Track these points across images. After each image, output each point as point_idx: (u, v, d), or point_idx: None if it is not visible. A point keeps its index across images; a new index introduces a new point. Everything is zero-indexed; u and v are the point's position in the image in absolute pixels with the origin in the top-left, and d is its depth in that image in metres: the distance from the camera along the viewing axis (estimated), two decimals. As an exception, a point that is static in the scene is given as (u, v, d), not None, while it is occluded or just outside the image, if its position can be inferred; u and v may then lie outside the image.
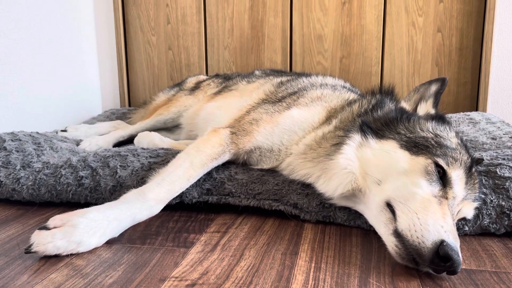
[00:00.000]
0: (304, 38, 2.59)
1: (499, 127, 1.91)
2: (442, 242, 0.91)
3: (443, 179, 1.05)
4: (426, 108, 1.26)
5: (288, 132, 1.39)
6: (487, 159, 1.33)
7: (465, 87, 2.51)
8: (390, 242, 1.00)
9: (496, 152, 1.42)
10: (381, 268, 0.99)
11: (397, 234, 0.98)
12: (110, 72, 2.78)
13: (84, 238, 1.05)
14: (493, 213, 1.16)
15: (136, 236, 1.17)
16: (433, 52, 2.49)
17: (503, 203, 1.16)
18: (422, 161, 1.07)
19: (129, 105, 2.83)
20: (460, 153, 1.11)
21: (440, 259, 0.90)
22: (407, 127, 1.18)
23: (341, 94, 1.51)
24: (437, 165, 1.06)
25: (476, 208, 1.14)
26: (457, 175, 1.06)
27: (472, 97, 2.51)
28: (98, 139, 1.87)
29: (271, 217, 1.31)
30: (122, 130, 2.04)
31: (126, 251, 1.07)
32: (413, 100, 1.30)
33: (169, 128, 2.11)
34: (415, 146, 1.12)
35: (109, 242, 1.12)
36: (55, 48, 2.30)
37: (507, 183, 1.19)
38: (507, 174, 1.21)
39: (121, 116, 2.46)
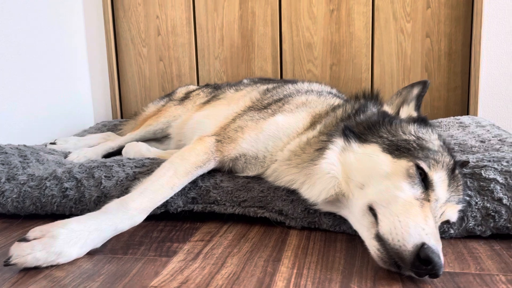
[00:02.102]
0: (293, 46, 2.60)
1: (488, 130, 1.91)
2: (423, 244, 0.90)
3: (425, 181, 1.04)
4: (408, 111, 1.26)
5: (273, 138, 1.38)
6: (473, 161, 1.32)
7: (455, 91, 2.51)
8: (372, 246, 0.98)
9: (483, 155, 1.41)
10: (363, 273, 0.97)
11: (379, 238, 0.97)
12: (102, 85, 2.79)
13: (64, 249, 1.04)
14: (478, 215, 1.15)
15: (119, 246, 1.16)
16: (422, 58, 2.50)
17: (488, 205, 1.15)
18: (404, 164, 1.07)
19: (121, 117, 2.83)
20: (442, 155, 1.10)
21: (421, 262, 0.89)
22: (389, 130, 1.18)
23: (326, 99, 1.51)
24: (419, 168, 1.05)
25: (461, 211, 1.13)
26: (439, 177, 1.05)
27: (463, 101, 2.51)
28: (87, 151, 1.87)
29: (256, 225, 1.30)
30: (111, 141, 2.04)
31: (107, 262, 1.06)
32: (396, 103, 1.29)
33: (158, 138, 2.11)
34: (397, 149, 1.11)
35: (91, 253, 1.10)
36: (46, 61, 2.30)
37: (491, 185, 1.18)
38: (491, 176, 1.21)
39: (112, 128, 2.45)
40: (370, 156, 1.13)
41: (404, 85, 2.49)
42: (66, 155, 1.86)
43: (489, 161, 1.30)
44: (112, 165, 1.47)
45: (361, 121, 1.24)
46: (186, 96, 2.16)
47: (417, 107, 1.26)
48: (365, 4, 2.50)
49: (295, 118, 1.41)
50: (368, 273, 0.97)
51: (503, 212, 1.14)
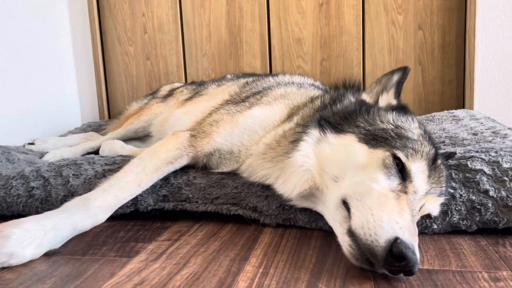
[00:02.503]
0: (282, 42, 2.53)
1: (482, 123, 1.82)
2: (396, 239, 0.82)
3: (403, 172, 0.97)
4: (387, 99, 1.19)
5: (248, 132, 1.31)
6: (460, 152, 1.24)
7: (450, 85, 2.43)
8: (344, 242, 0.91)
9: (474, 147, 1.33)
10: (334, 272, 0.90)
11: (351, 233, 0.90)
12: (88, 85, 2.73)
13: (17, 250, 0.97)
14: (463, 209, 1.07)
15: (80, 247, 1.09)
16: (415, 50, 2.42)
17: (474, 197, 1.07)
18: (380, 154, 0.99)
19: (109, 118, 2.77)
20: (422, 144, 1.02)
21: (395, 258, 0.81)
22: (366, 119, 1.10)
23: (306, 91, 1.44)
24: (396, 158, 0.98)
25: (443, 204, 1.05)
26: (417, 167, 0.97)
27: (458, 95, 2.43)
28: (64, 151, 1.81)
29: (230, 223, 1.23)
30: (92, 141, 1.98)
31: (63, 263, 0.99)
32: (375, 91, 1.22)
33: (141, 137, 2.04)
34: (374, 139, 1.04)
35: (48, 254, 1.04)
36: (31, 62, 2.25)
37: (477, 176, 1.10)
38: (478, 167, 1.13)
39: (97, 128, 2.39)
40: (346, 147, 1.06)
41: (397, 79, 2.42)
42: (42, 155, 1.80)
43: (477, 151, 1.22)
44: (82, 163, 1.41)
45: (338, 110, 1.17)
46: (170, 94, 2.09)
47: (397, 95, 1.18)
48: (355, -4, 2.42)
49: (271, 110, 1.34)
50: (339, 272, 0.89)
51: (490, 205, 1.06)
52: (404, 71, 1.18)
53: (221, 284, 0.86)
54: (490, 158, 1.16)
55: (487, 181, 1.09)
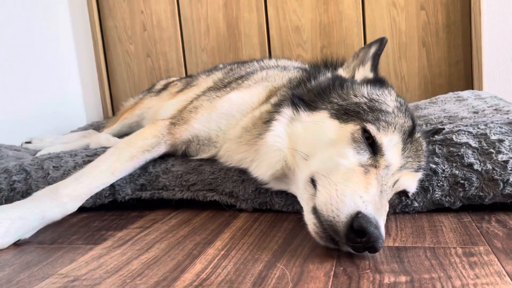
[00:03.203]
0: (281, 31, 2.48)
1: (486, 102, 1.72)
2: (357, 214, 0.77)
3: (374, 146, 0.91)
4: (364, 72, 1.12)
5: (226, 116, 1.27)
6: (449, 127, 1.17)
7: (457, 66, 2.32)
8: (309, 221, 0.86)
9: (467, 122, 1.25)
10: (298, 252, 0.85)
11: (315, 210, 0.84)
12: (92, 85, 2.75)
13: (-18, 239, 0.96)
14: (445, 184, 1.00)
15: (51, 236, 1.08)
16: (418, 32, 2.32)
17: (457, 171, 1.00)
18: (349, 128, 0.94)
19: (113, 116, 2.78)
20: (396, 116, 0.96)
21: (356, 233, 0.75)
22: (340, 94, 1.05)
23: (288, 73, 1.38)
24: (366, 131, 0.91)
25: (423, 180, 0.98)
26: (389, 140, 0.91)
27: (467, 76, 2.31)
28: (57, 148, 1.81)
29: (207, 210, 1.19)
30: (87, 138, 1.98)
31: (28, 252, 0.97)
32: (352, 66, 1.15)
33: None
34: (345, 114, 0.98)
35: (18, 244, 1.02)
36: (32, 63, 2.28)
37: (462, 149, 1.03)
38: (464, 140, 1.05)
39: (98, 126, 2.40)
40: (317, 124, 1.00)
41: (401, 64, 2.34)
42: (36, 153, 1.81)
43: (466, 126, 1.14)
44: (64, 156, 1.40)
45: (312, 87, 1.11)
46: (164, 88, 2.07)
47: (374, 67, 1.12)
48: (353, -20, 2.35)
49: (249, 93, 1.29)
50: (302, 252, 0.84)
51: (474, 179, 0.98)
52: (380, 42, 1.12)
53: (177, 266, 0.82)
54: (478, 131, 1.08)
55: (472, 154, 1.01)
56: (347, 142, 0.92)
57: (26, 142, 1.98)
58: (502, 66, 2.18)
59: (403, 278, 0.70)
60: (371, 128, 0.91)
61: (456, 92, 2.05)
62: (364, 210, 0.77)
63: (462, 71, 2.32)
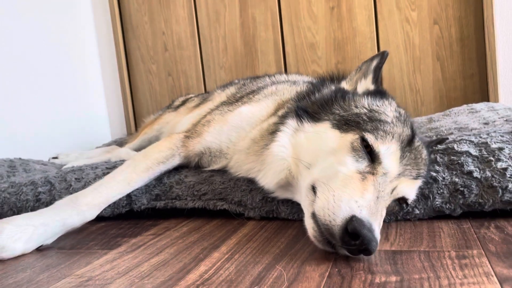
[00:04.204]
0: (296, 48, 2.55)
1: (498, 113, 1.73)
2: (352, 217, 0.80)
3: (372, 154, 0.95)
4: (365, 85, 1.16)
5: (236, 129, 1.33)
6: (452, 137, 1.19)
7: (472, 79, 2.32)
8: (308, 225, 0.90)
9: (471, 132, 1.27)
10: (297, 255, 0.89)
11: (314, 215, 0.88)
12: (116, 103, 2.88)
13: (8, 244, 1.04)
14: (445, 192, 1.02)
15: (71, 242, 1.15)
16: (432, 46, 2.35)
17: (457, 179, 1.02)
18: (349, 138, 0.98)
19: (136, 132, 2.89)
20: (394, 126, 1.00)
21: (350, 236, 0.79)
22: (341, 106, 1.09)
23: (297, 87, 1.44)
24: (364, 140, 0.96)
25: (423, 188, 1.01)
26: (387, 148, 0.95)
27: (482, 89, 2.31)
28: (81, 162, 1.90)
29: (216, 218, 1.25)
30: (110, 153, 2.07)
31: (49, 256, 1.05)
32: (355, 79, 1.20)
33: (156, 147, 2.11)
34: (346, 124, 1.02)
35: (41, 249, 1.10)
36: (62, 83, 2.42)
37: (462, 158, 1.05)
38: (464, 149, 1.07)
39: (121, 142, 2.50)
40: (319, 134, 1.05)
41: (415, 78, 2.36)
42: (61, 167, 1.91)
43: (469, 135, 1.16)
44: (85, 169, 1.48)
45: (316, 100, 1.17)
46: (182, 103, 2.16)
47: (375, 80, 1.16)
48: (365, -3, 2.40)
49: (259, 106, 1.35)
50: (302, 255, 0.88)
51: (473, 186, 1.00)
52: (382, 55, 1.16)
53: (183, 268, 0.87)
54: (479, 140, 1.10)
55: (471, 162, 1.03)
56: (346, 151, 0.96)
57: (53, 158, 2.09)
58: (518, 77, 2.18)
59: (393, 278, 0.73)
60: (369, 137, 0.96)
61: (470, 105, 2.05)
62: (359, 214, 0.81)
63: (477, 84, 2.32)
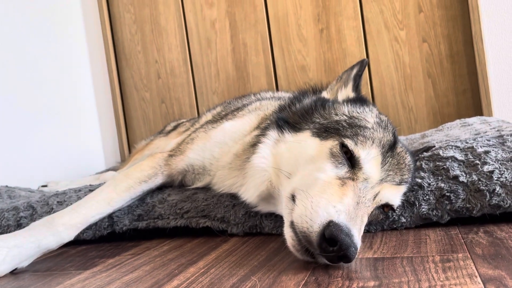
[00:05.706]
0: (287, 71, 2.55)
1: (490, 125, 1.70)
2: (329, 223, 0.76)
3: (352, 160, 0.91)
4: (346, 93, 1.14)
5: (219, 144, 1.30)
6: (439, 144, 1.16)
7: (465, 95, 2.30)
8: (287, 234, 0.86)
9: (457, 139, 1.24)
10: (275, 267, 0.84)
11: (292, 224, 0.84)
12: (110, 131, 2.87)
13: (-22, 266, 1.00)
14: (431, 198, 0.98)
15: (47, 265, 1.10)
16: (422, 64, 2.34)
17: (443, 184, 0.98)
18: (329, 144, 0.95)
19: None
20: (375, 131, 0.97)
21: (328, 242, 0.75)
22: (322, 114, 1.07)
23: (281, 102, 1.42)
24: (344, 146, 0.93)
25: (408, 195, 0.97)
26: (367, 153, 0.92)
27: (476, 105, 2.29)
28: (65, 186, 1.87)
29: (199, 237, 1.20)
30: (98, 180, 2.04)
31: (21, 279, 1.00)
32: (335, 89, 1.18)
33: (147, 172, 2.08)
34: (326, 131, 1.00)
35: (15, 272, 1.05)
36: (55, 112, 2.42)
37: (448, 163, 1.02)
38: (450, 154, 1.04)
39: (114, 169, 2.48)
40: (299, 143, 1.02)
41: (407, 95, 2.35)
42: (49, 194, 1.88)
43: (455, 141, 1.13)
44: (68, 192, 1.45)
45: (297, 110, 1.14)
46: (174, 128, 2.15)
47: (355, 87, 1.14)
48: (354, 18, 2.42)
49: (242, 121, 1.33)
50: (280, 266, 0.84)
51: (460, 191, 0.96)
52: (361, 63, 1.15)
53: (155, 284, 0.83)
54: (465, 146, 1.07)
55: (457, 166, 1.00)
56: (326, 157, 0.93)
57: (42, 186, 2.06)
58: (511, 91, 2.16)
59: (371, 283, 0.68)
60: (348, 142, 0.93)
61: (463, 119, 2.02)
62: (336, 219, 0.77)
63: (470, 99, 2.30)
